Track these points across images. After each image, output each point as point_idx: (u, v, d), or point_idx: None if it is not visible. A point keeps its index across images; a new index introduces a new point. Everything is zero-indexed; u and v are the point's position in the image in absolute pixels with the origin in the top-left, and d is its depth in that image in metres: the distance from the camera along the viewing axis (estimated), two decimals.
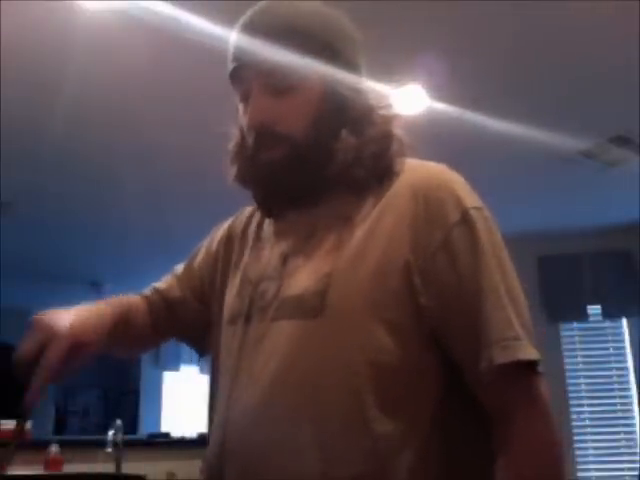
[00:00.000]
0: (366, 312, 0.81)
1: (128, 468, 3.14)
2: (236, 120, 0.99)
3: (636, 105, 3.12)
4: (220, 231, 1.10)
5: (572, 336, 5.07)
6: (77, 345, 0.87)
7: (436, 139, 3.26)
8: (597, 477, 4.82)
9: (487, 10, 2.51)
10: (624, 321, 5.03)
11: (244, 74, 0.93)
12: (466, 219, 0.84)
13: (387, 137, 0.91)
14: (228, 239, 1.07)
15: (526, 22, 2.60)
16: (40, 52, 2.75)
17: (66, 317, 0.89)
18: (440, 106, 3.14)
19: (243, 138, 0.96)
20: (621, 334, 5.04)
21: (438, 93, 3.10)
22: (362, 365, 0.80)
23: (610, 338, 5.07)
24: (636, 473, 4.72)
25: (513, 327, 0.80)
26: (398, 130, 0.93)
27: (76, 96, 3.06)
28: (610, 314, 5.01)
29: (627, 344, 5.00)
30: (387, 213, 0.86)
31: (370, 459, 0.77)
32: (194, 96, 3.16)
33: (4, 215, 4.55)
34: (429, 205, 0.84)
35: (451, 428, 0.81)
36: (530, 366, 0.80)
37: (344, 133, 0.90)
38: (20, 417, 0.87)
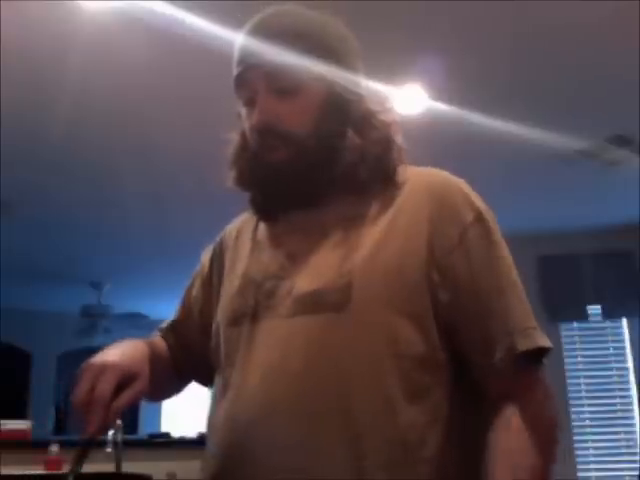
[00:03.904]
0: (389, 306, 0.84)
1: (128, 468, 3.14)
2: (237, 124, 1.01)
3: (636, 105, 3.12)
4: (208, 253, 1.12)
5: (572, 336, 5.07)
6: (128, 376, 0.89)
7: (436, 139, 3.26)
8: (597, 477, 4.82)
9: (487, 10, 2.51)
10: (624, 321, 5.03)
11: (250, 77, 0.95)
12: (480, 219, 0.90)
13: (388, 141, 0.95)
14: (220, 253, 1.08)
15: (526, 22, 2.60)
16: (40, 52, 2.75)
17: (112, 352, 0.93)
18: (440, 106, 3.14)
19: (245, 141, 0.98)
20: (621, 334, 5.04)
21: (438, 93, 3.10)
22: (388, 357, 0.82)
23: (610, 338, 5.07)
24: (636, 473, 4.72)
25: (532, 318, 0.87)
26: (397, 137, 0.96)
27: (76, 96, 3.07)
28: (610, 314, 5.01)
29: (627, 344, 5.00)
30: (403, 213, 0.90)
31: (399, 449, 0.80)
32: (194, 96, 3.16)
33: (4, 215, 4.56)
34: (445, 206, 0.90)
35: (465, 414, 0.86)
36: (540, 355, 0.86)
37: (350, 133, 0.93)
38: (84, 447, 0.87)
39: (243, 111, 0.98)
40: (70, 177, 4.08)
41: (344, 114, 0.94)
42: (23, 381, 7.87)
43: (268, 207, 0.98)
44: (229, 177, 1.00)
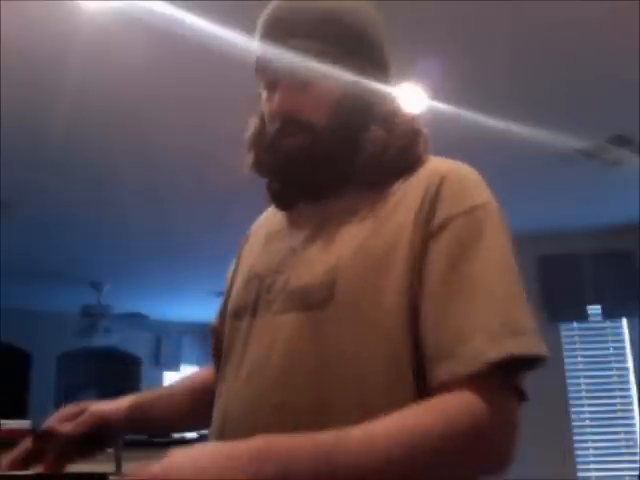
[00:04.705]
0: (371, 303, 0.81)
1: (128, 468, 3.14)
2: (256, 108, 0.98)
3: (636, 105, 3.12)
4: (233, 263, 1.11)
5: (572, 336, 5.07)
6: (74, 412, 1.04)
7: (436, 139, 3.26)
8: (597, 477, 4.83)
9: (487, 10, 2.51)
10: (624, 321, 5.03)
11: (272, 63, 0.92)
12: (474, 210, 0.83)
13: (415, 134, 0.92)
14: (238, 255, 1.08)
15: (526, 22, 2.60)
16: (40, 52, 2.75)
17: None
18: (440, 106, 3.14)
19: (263, 126, 0.96)
20: (621, 334, 5.04)
21: (437, 93, 3.10)
22: (370, 357, 0.79)
23: (610, 338, 5.07)
24: (636, 473, 4.72)
25: (505, 322, 0.75)
26: (424, 128, 0.94)
27: (76, 96, 3.07)
28: (610, 314, 5.01)
29: (627, 344, 5.00)
30: (401, 205, 0.86)
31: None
32: (194, 96, 3.16)
33: (4, 215, 4.56)
34: (441, 189, 0.84)
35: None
36: (514, 364, 0.75)
37: (374, 126, 0.90)
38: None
39: (263, 94, 0.96)
40: (70, 177, 4.08)
41: (367, 107, 0.92)
42: (23, 381, 7.87)
43: (283, 195, 0.97)
44: (246, 161, 0.98)
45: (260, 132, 0.97)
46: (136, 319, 7.64)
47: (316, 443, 0.68)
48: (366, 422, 0.71)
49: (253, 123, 1.00)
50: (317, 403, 0.79)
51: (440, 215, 0.82)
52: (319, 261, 0.85)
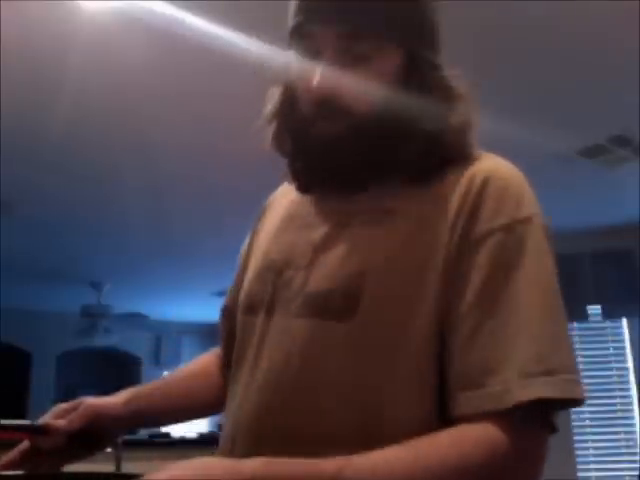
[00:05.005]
0: (399, 323, 0.74)
1: (128, 468, 3.14)
2: (281, 78, 0.89)
3: (636, 105, 3.12)
4: (250, 231, 1.02)
5: (572, 336, 5.07)
6: (63, 410, 0.95)
7: None
8: (597, 477, 4.82)
9: (486, 10, 2.51)
10: (624, 321, 5.03)
11: (317, 32, 0.80)
12: (515, 226, 0.75)
13: (466, 128, 0.82)
14: (255, 229, 1.00)
15: (525, 21, 2.60)
16: (40, 52, 2.75)
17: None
18: None
19: (289, 97, 0.86)
20: (621, 334, 5.04)
21: None
22: (388, 379, 0.73)
23: (610, 338, 5.07)
24: (636, 473, 4.72)
25: (539, 360, 0.70)
26: (475, 118, 0.84)
27: (76, 96, 3.07)
28: (610, 314, 5.01)
29: (627, 344, 5.00)
30: (438, 208, 0.77)
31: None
32: (194, 95, 3.16)
33: (4, 215, 4.56)
34: (482, 194, 0.76)
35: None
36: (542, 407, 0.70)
37: (425, 117, 0.80)
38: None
39: (297, 63, 0.84)
40: (70, 176, 4.08)
41: (418, 96, 0.80)
42: (23, 381, 7.88)
43: (307, 178, 0.86)
44: (266, 135, 0.88)
45: (284, 104, 0.87)
46: (136, 319, 7.64)
47: (318, 469, 0.65)
48: (375, 450, 0.67)
49: (276, 93, 0.89)
50: (327, 427, 0.73)
51: (479, 226, 0.75)
52: (343, 263, 0.77)
